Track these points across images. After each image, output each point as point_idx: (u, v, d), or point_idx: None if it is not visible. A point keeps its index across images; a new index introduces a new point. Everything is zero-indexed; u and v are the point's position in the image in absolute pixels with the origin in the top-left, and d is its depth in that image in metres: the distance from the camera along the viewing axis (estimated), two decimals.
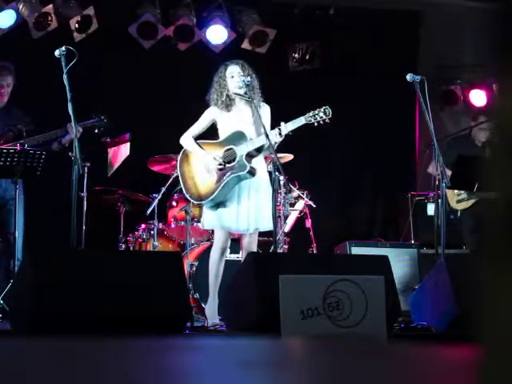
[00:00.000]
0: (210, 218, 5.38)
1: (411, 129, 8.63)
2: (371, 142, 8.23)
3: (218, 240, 5.36)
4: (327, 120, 5.25)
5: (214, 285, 5.31)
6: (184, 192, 5.53)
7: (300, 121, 5.23)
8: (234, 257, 6.16)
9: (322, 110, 5.27)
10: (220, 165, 5.28)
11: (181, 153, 5.55)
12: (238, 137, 5.30)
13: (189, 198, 5.56)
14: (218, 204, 5.32)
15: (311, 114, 5.24)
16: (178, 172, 5.54)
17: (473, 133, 7.09)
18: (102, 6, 7.38)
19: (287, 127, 5.17)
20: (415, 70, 7.09)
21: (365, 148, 8.25)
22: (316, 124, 5.25)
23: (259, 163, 5.37)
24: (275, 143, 5.17)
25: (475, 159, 6.07)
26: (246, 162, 5.24)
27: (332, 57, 8.17)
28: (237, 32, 7.81)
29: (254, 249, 5.37)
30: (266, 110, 5.41)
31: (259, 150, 5.31)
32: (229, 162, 5.30)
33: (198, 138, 5.49)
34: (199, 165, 5.44)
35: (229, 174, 5.27)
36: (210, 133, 5.54)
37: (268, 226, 5.31)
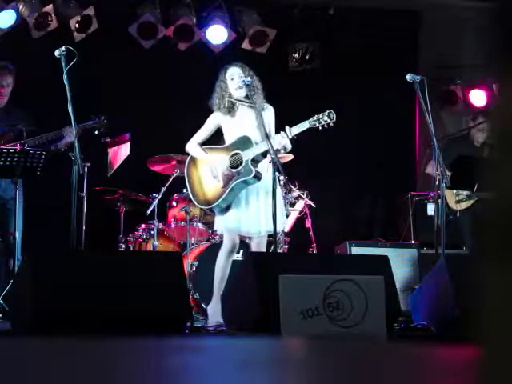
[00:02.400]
0: (222, 222, 5.36)
1: (411, 129, 8.63)
2: (371, 142, 8.23)
3: (227, 243, 5.34)
4: (331, 124, 5.27)
5: (218, 287, 5.29)
6: (191, 198, 5.50)
7: (304, 125, 5.24)
8: (234, 257, 6.16)
9: (326, 113, 5.28)
10: (227, 171, 5.29)
11: (188, 158, 5.52)
12: (244, 142, 5.30)
13: (196, 204, 5.55)
14: (227, 208, 5.32)
15: (315, 117, 5.26)
16: (186, 178, 5.51)
17: (471, 133, 7.09)
18: (102, 5, 7.38)
19: (292, 131, 5.18)
20: (415, 70, 7.09)
21: (365, 148, 8.25)
22: (320, 128, 5.27)
23: (265, 167, 5.37)
24: (283, 147, 5.19)
25: (475, 159, 6.07)
26: (252, 167, 5.24)
27: (332, 57, 8.17)
28: (237, 32, 7.80)
29: (263, 250, 5.36)
30: (270, 112, 5.41)
31: (265, 154, 5.31)
32: (236, 167, 5.30)
33: (204, 143, 5.48)
34: (206, 170, 5.43)
35: (235, 178, 5.27)
36: (216, 137, 5.53)
37: (282, 226, 5.44)
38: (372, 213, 8.62)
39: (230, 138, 5.40)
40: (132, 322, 4.29)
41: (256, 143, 5.28)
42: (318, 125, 5.26)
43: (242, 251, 6.24)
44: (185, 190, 6.15)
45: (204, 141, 5.47)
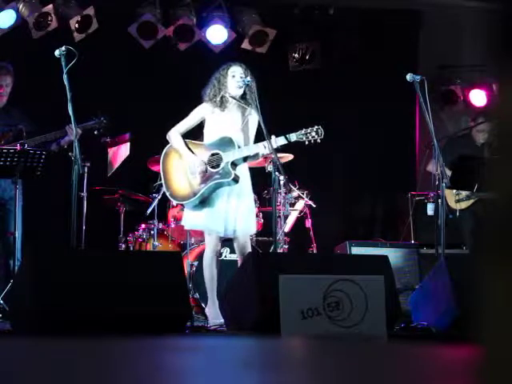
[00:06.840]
0: (191, 219, 5.39)
1: (411, 129, 8.63)
2: (371, 142, 8.22)
3: (209, 244, 5.36)
4: (318, 140, 5.28)
5: (210, 288, 5.31)
6: (164, 189, 5.51)
7: (291, 137, 5.26)
8: (234, 257, 6.16)
9: (315, 129, 5.29)
10: (205, 169, 5.28)
11: (165, 148, 5.49)
12: (226, 143, 5.29)
13: (168, 197, 5.56)
14: (200, 204, 5.31)
15: (303, 132, 5.27)
16: (161, 168, 5.48)
17: (472, 133, 7.10)
18: (102, 6, 7.37)
19: (277, 141, 5.19)
20: (415, 70, 7.09)
21: (365, 148, 8.24)
22: (307, 143, 5.29)
23: (242, 168, 5.37)
24: (262, 155, 5.23)
25: (475, 159, 6.07)
26: (231, 170, 5.24)
27: (332, 57, 8.17)
28: (237, 32, 7.80)
29: (248, 250, 5.36)
30: (255, 118, 5.39)
31: (245, 158, 5.32)
32: (214, 167, 5.30)
33: (184, 134, 5.47)
34: (183, 164, 5.40)
35: (213, 178, 5.27)
36: (195, 130, 5.51)
37: (251, 230, 5.40)
38: (372, 213, 8.62)
39: (211, 134, 5.37)
40: (132, 322, 4.29)
41: (239, 146, 5.28)
42: (304, 139, 5.28)
43: (227, 249, 6.27)
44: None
45: (186, 131, 5.44)
